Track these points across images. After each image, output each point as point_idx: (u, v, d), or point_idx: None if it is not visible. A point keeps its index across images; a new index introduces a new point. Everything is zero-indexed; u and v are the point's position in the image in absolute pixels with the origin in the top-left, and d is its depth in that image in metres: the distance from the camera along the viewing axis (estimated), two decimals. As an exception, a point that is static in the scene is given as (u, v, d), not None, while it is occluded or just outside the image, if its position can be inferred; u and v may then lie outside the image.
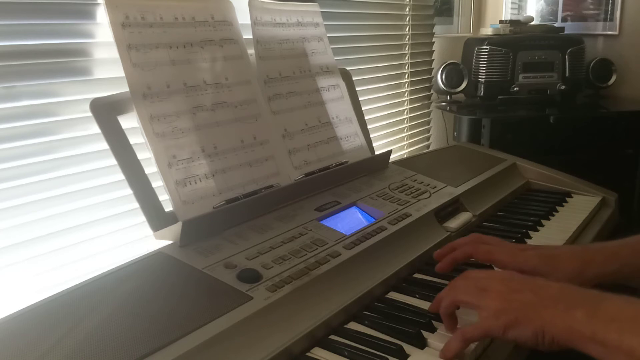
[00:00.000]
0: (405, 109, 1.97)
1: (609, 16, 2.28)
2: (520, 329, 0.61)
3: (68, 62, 0.94)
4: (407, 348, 0.66)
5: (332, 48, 1.16)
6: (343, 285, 0.75)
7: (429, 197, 1.04)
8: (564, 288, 0.63)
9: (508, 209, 1.16)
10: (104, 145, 0.77)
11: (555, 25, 2.29)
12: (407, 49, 1.93)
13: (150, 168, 0.79)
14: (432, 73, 2.09)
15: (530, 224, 1.05)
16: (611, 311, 0.57)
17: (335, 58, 1.16)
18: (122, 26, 0.80)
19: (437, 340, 0.67)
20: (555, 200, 1.19)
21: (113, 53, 0.79)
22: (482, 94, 2.06)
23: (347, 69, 1.20)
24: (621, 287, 0.72)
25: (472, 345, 0.65)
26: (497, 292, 0.64)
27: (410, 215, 0.95)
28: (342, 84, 1.15)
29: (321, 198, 0.95)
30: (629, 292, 0.61)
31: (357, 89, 1.21)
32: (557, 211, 1.14)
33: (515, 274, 0.69)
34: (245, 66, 0.95)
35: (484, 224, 1.07)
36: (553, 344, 0.59)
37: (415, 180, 1.11)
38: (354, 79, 1.21)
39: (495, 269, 0.79)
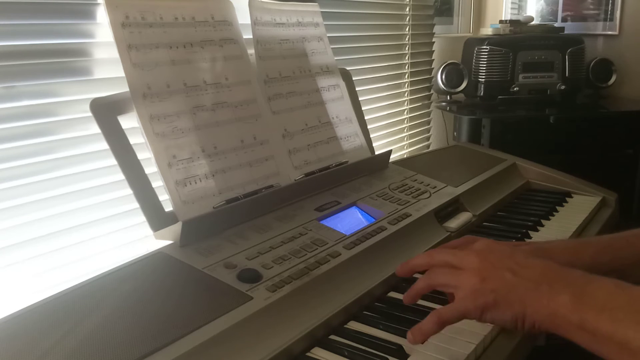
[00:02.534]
0: (405, 109, 1.97)
1: (609, 16, 2.28)
2: (499, 312, 0.58)
3: (68, 62, 0.94)
4: (407, 348, 0.65)
5: (332, 48, 1.16)
6: (343, 285, 0.75)
7: (429, 197, 1.04)
8: (546, 267, 0.59)
9: (508, 209, 1.16)
10: (104, 145, 0.77)
11: (555, 25, 2.29)
12: (407, 49, 1.93)
13: (150, 168, 0.79)
14: (432, 73, 2.09)
15: (530, 224, 1.05)
16: (600, 297, 0.54)
17: (335, 58, 1.16)
18: (122, 26, 0.80)
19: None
20: (555, 200, 1.19)
21: (113, 53, 0.79)
22: (482, 94, 2.06)
23: (347, 69, 1.20)
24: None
25: (472, 345, 0.65)
26: (474, 269, 0.61)
27: (410, 215, 0.95)
28: (342, 83, 1.15)
29: (321, 198, 0.95)
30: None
31: (357, 89, 1.21)
32: (557, 211, 1.14)
33: (494, 244, 0.65)
34: (245, 66, 0.95)
35: (484, 224, 1.07)
36: (533, 329, 0.56)
37: (415, 180, 1.11)
38: (354, 79, 1.21)
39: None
